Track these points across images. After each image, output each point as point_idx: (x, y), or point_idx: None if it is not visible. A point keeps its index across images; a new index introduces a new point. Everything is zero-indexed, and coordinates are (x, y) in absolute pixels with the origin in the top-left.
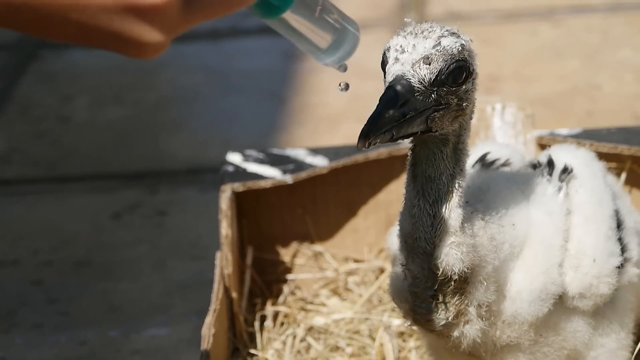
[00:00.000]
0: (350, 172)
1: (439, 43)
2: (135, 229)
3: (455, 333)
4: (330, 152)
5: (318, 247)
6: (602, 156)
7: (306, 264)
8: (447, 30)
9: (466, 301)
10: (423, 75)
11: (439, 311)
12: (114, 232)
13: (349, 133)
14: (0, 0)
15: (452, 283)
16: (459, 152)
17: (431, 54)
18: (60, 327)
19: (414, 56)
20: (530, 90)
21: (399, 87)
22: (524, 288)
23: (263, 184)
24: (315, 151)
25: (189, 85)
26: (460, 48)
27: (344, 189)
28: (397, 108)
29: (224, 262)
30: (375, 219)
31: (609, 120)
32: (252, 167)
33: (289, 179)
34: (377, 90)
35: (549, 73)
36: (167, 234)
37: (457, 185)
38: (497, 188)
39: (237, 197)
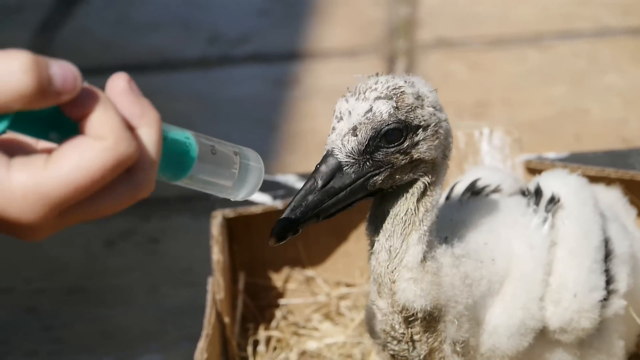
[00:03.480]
0: None
1: (370, 109)
2: (128, 256)
3: None
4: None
5: (310, 271)
6: (589, 179)
7: (298, 289)
8: (387, 88)
9: (439, 339)
10: (351, 148)
11: (410, 349)
12: (107, 260)
13: None
14: None
15: (419, 321)
16: (428, 193)
17: (360, 122)
18: (54, 354)
19: (347, 125)
20: (519, 115)
21: (322, 167)
22: (501, 323)
23: (254, 209)
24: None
25: (179, 113)
26: (391, 111)
27: None
28: (317, 192)
29: (215, 287)
30: (366, 243)
31: (596, 144)
32: None
33: (279, 204)
34: None
35: (537, 98)
36: (159, 260)
37: (418, 223)
38: (480, 221)
39: (229, 223)
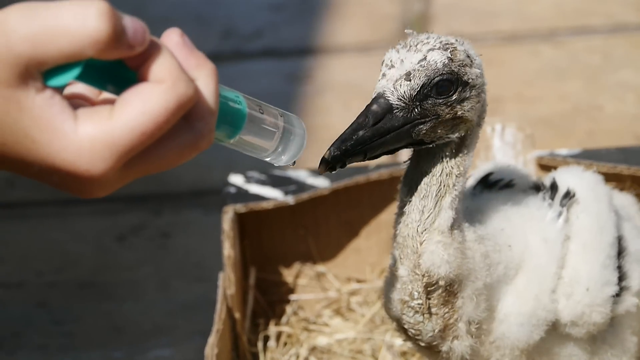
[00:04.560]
0: (352, 193)
1: (425, 58)
2: (139, 251)
3: (444, 348)
4: (331, 174)
5: (320, 267)
6: (601, 175)
7: (309, 284)
8: (441, 42)
9: (455, 315)
10: (403, 92)
11: (426, 321)
12: (118, 254)
13: None
14: None
15: (439, 290)
16: (461, 155)
17: (414, 69)
18: (64, 348)
19: (399, 72)
20: (532, 111)
21: (374, 107)
22: (512, 311)
23: (265, 205)
24: (317, 172)
25: None
26: (445, 61)
27: (346, 209)
28: (368, 128)
29: (226, 282)
30: (377, 239)
31: (610, 140)
32: (254, 189)
33: (290, 200)
34: None
35: (551, 94)
36: (170, 255)
37: (452, 186)
38: (497, 210)
39: (240, 218)
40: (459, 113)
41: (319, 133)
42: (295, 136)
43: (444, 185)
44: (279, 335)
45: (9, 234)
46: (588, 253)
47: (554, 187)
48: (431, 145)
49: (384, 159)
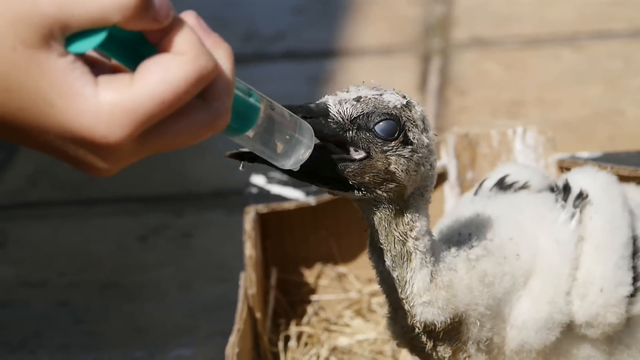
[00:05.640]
0: None
1: (381, 95)
2: (161, 251)
3: None
4: None
5: (342, 268)
6: (622, 179)
7: (330, 285)
8: (402, 94)
9: (463, 339)
10: (345, 109)
11: (434, 353)
12: (140, 254)
13: None
14: None
15: (441, 332)
16: (407, 220)
17: (366, 96)
18: (86, 347)
19: (350, 95)
20: (553, 115)
21: (311, 104)
22: (529, 318)
23: (287, 205)
24: None
25: None
26: (399, 106)
27: None
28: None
29: (248, 282)
30: None
31: (631, 144)
32: (276, 189)
33: (312, 200)
34: None
35: (572, 98)
36: (192, 256)
37: (412, 248)
38: (506, 216)
39: (261, 219)
40: (391, 167)
41: None
42: (302, 139)
43: (406, 252)
44: (299, 336)
45: (30, 234)
46: (601, 254)
47: (566, 189)
48: (358, 194)
49: None
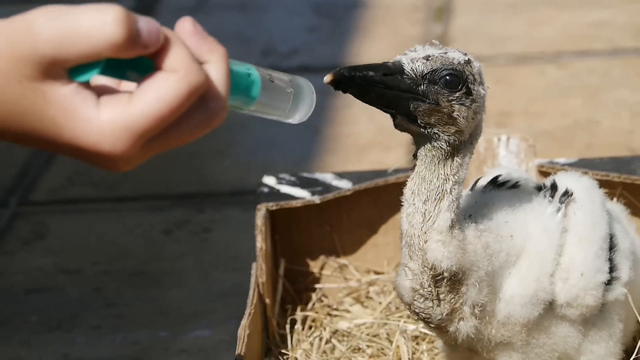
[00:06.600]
0: (372, 194)
1: (446, 52)
2: (183, 244)
3: (451, 328)
4: (354, 177)
5: (343, 260)
6: None
7: (332, 275)
8: (462, 52)
9: (460, 300)
10: (417, 67)
11: (435, 307)
12: (165, 246)
13: (374, 160)
14: None
15: (445, 280)
16: (455, 164)
17: (433, 55)
18: (116, 328)
19: (419, 54)
20: (537, 125)
21: (389, 63)
22: (517, 293)
23: (294, 203)
24: (340, 175)
25: (233, 117)
26: (462, 62)
27: (366, 209)
28: (378, 74)
29: (258, 271)
30: (393, 235)
31: (605, 152)
32: (285, 189)
33: (317, 199)
34: None
35: (554, 110)
36: (211, 248)
37: (449, 190)
38: (501, 204)
39: (272, 215)
40: (454, 113)
41: (346, 141)
42: (305, 96)
43: (442, 191)
44: (304, 320)
45: (68, 227)
46: (583, 244)
47: (554, 187)
48: (422, 130)
49: (401, 164)
